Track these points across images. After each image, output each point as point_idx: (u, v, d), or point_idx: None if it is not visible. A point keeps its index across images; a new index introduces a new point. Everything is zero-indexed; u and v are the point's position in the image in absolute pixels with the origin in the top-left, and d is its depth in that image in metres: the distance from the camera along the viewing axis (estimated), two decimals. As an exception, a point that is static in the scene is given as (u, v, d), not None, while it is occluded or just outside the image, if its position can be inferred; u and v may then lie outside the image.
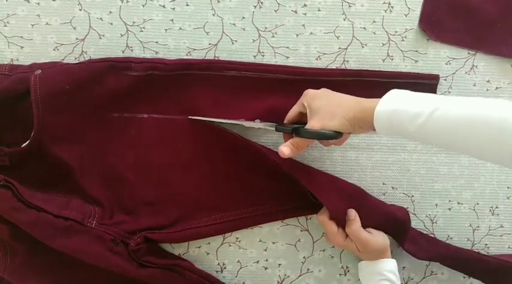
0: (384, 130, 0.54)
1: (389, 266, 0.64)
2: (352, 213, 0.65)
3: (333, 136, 0.57)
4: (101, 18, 0.69)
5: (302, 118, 0.61)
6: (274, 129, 0.64)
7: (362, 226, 0.64)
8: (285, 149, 0.59)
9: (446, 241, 0.72)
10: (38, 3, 0.68)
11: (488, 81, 0.71)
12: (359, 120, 0.55)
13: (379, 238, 0.65)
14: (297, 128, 0.59)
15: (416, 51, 0.71)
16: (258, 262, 0.72)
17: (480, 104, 0.48)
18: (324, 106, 0.58)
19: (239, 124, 0.67)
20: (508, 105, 0.46)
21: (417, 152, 0.71)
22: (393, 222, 0.67)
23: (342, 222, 0.65)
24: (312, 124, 0.58)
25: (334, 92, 0.61)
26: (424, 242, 0.70)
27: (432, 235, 0.72)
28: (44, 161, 0.64)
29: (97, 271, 0.64)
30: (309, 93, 0.61)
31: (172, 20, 0.69)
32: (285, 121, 0.65)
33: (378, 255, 0.65)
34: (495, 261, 0.68)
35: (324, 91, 0.61)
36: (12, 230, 0.62)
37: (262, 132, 0.70)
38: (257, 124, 0.66)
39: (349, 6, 0.70)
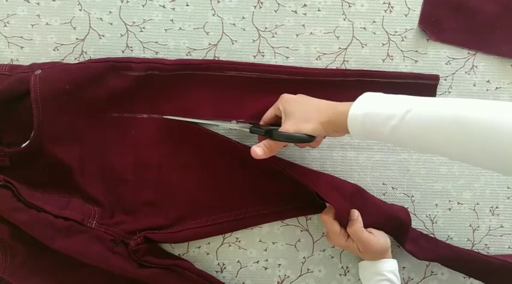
0: (357, 134, 0.53)
1: (390, 266, 0.64)
2: (355, 213, 0.65)
3: (306, 140, 0.57)
4: (100, 19, 0.69)
5: (277, 121, 0.62)
6: (247, 130, 0.64)
7: (363, 226, 0.64)
8: (258, 150, 0.59)
9: (447, 241, 0.72)
10: (38, 4, 0.68)
11: (488, 81, 0.71)
12: (333, 124, 0.55)
13: (380, 239, 0.65)
14: (271, 130, 0.59)
15: (416, 51, 0.71)
16: (258, 262, 0.72)
17: (452, 105, 0.48)
18: (298, 110, 0.58)
19: (215, 124, 0.67)
20: (481, 106, 0.46)
21: (417, 152, 0.71)
22: (394, 222, 0.67)
23: (344, 222, 0.65)
24: (286, 127, 0.58)
25: (310, 97, 0.61)
26: (424, 243, 0.70)
27: (432, 235, 0.72)
28: (44, 161, 0.64)
29: (97, 272, 0.64)
30: (285, 97, 0.61)
31: (172, 20, 0.69)
32: (261, 123, 0.65)
33: (379, 255, 0.65)
34: (495, 261, 0.68)
35: (300, 96, 0.61)
36: (12, 231, 0.62)
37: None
38: (233, 125, 0.67)
39: (349, 6, 0.70)
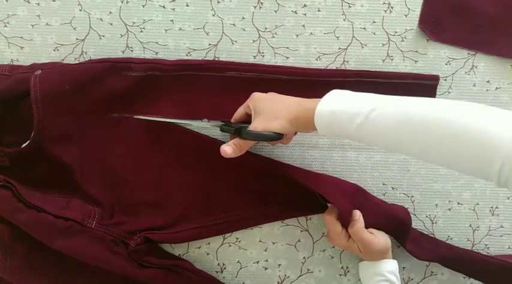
0: (324, 131, 0.54)
1: (390, 267, 0.64)
2: (357, 214, 0.65)
3: (274, 138, 0.57)
4: (101, 19, 0.69)
5: (248, 119, 0.62)
6: (218, 128, 0.65)
7: (364, 226, 0.64)
8: (227, 148, 0.59)
9: (447, 242, 0.72)
10: (38, 4, 0.68)
11: (488, 82, 0.71)
12: (301, 121, 0.56)
13: (381, 239, 0.65)
14: (240, 129, 0.59)
15: (416, 51, 0.71)
16: (258, 262, 0.72)
17: (417, 103, 0.48)
18: (267, 108, 0.58)
19: (187, 123, 0.67)
20: (445, 105, 0.47)
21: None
22: (394, 222, 0.67)
23: (346, 223, 0.65)
24: (254, 125, 0.58)
25: (280, 95, 0.61)
26: (425, 243, 0.70)
27: (432, 236, 0.72)
28: (44, 161, 0.65)
29: (97, 272, 0.64)
30: (255, 95, 0.61)
31: (172, 21, 0.69)
32: (232, 121, 0.65)
33: (380, 256, 0.65)
34: (496, 261, 0.68)
35: (270, 94, 0.61)
36: (12, 231, 0.62)
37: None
38: (204, 123, 0.66)
39: (349, 6, 0.70)
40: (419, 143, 0.47)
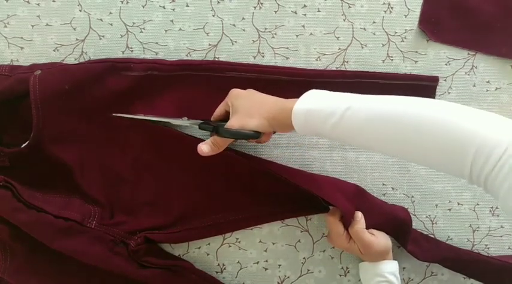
0: (302, 130, 0.54)
1: (390, 268, 0.64)
2: (359, 214, 0.65)
3: (251, 136, 0.57)
4: (101, 19, 0.69)
5: (228, 117, 0.61)
6: (197, 127, 0.64)
7: (365, 227, 0.64)
8: (204, 147, 0.60)
9: (447, 242, 0.72)
10: (38, 4, 0.68)
11: (488, 82, 0.71)
12: (278, 120, 0.56)
13: (381, 240, 0.65)
14: (217, 127, 0.59)
15: (416, 51, 0.71)
16: (258, 262, 0.72)
17: (392, 101, 0.48)
18: (244, 106, 0.58)
19: (166, 121, 0.67)
20: (421, 102, 0.47)
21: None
22: (395, 222, 0.67)
23: (348, 224, 0.65)
24: (232, 123, 0.57)
25: (259, 92, 0.60)
26: (425, 243, 0.69)
27: (432, 236, 0.72)
28: (44, 161, 0.65)
29: (97, 272, 0.64)
30: (234, 92, 0.61)
31: (172, 21, 0.69)
32: (212, 119, 0.65)
33: (380, 257, 0.65)
34: (496, 262, 0.68)
35: (249, 92, 0.61)
36: (12, 231, 0.62)
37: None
38: (184, 122, 0.66)
39: (349, 7, 0.70)
40: (391, 138, 0.47)
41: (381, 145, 0.49)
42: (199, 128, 0.64)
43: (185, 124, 0.67)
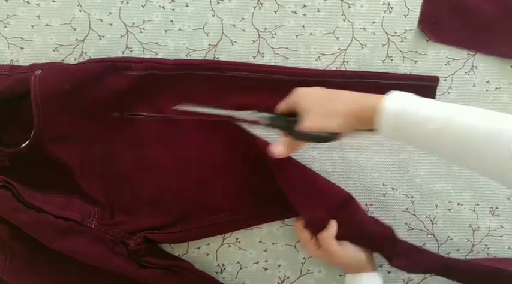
0: (387, 131, 0.49)
1: (370, 281, 0.61)
2: (332, 223, 0.62)
3: (332, 139, 0.53)
4: (100, 19, 0.69)
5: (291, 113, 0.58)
6: (266, 123, 0.60)
7: (340, 238, 0.61)
8: (279, 149, 0.57)
9: (446, 242, 0.72)
10: (38, 4, 0.68)
11: (488, 82, 0.71)
12: (359, 118, 0.51)
13: (348, 252, 0.61)
14: (292, 128, 0.55)
15: (416, 51, 0.71)
16: (257, 263, 0.72)
17: (498, 118, 0.45)
18: (317, 105, 0.53)
19: (229, 115, 0.64)
20: None
21: (417, 153, 0.71)
22: (374, 239, 0.64)
23: (317, 231, 0.63)
24: (309, 125, 0.53)
25: (329, 89, 0.56)
26: (414, 256, 0.66)
27: (432, 236, 0.72)
28: (44, 161, 0.64)
29: (97, 272, 0.64)
30: (299, 91, 0.56)
31: (172, 21, 0.69)
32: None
33: (356, 269, 0.62)
34: (486, 269, 0.65)
35: (320, 90, 0.56)
36: (12, 231, 0.62)
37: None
38: (250, 115, 0.61)
39: (349, 7, 0.70)
40: (494, 161, 0.43)
41: (481, 165, 0.45)
42: (270, 125, 0.59)
43: (250, 119, 0.61)
